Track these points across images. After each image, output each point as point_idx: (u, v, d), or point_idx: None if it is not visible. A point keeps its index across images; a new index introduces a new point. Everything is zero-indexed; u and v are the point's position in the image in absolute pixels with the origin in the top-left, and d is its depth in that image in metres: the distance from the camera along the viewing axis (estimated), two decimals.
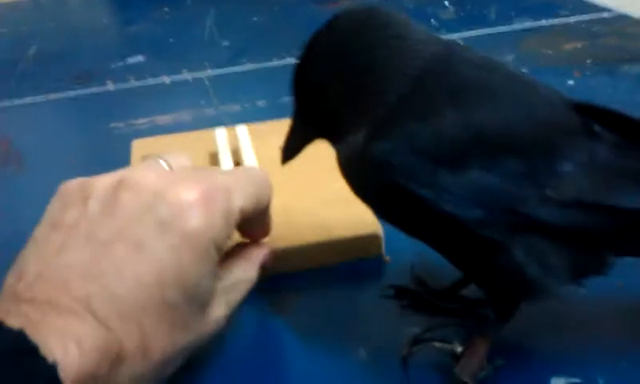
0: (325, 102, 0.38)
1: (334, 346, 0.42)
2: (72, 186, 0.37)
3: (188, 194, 0.35)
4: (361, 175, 0.38)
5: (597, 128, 0.36)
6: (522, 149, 0.34)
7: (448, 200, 0.34)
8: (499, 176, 0.34)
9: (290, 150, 0.42)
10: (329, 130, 0.39)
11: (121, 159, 0.65)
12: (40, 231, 0.36)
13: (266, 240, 0.45)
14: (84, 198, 0.36)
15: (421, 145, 0.34)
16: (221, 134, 0.59)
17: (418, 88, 0.35)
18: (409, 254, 0.48)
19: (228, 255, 0.40)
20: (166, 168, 0.39)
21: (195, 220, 0.34)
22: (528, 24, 0.97)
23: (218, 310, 0.36)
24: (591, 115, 0.37)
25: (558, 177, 0.34)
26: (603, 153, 0.35)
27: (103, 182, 0.36)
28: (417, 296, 0.44)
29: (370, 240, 0.49)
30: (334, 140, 0.40)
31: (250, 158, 0.54)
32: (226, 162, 0.54)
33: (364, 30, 0.37)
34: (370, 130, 0.36)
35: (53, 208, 0.37)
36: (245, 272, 0.40)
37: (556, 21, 0.98)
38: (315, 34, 0.38)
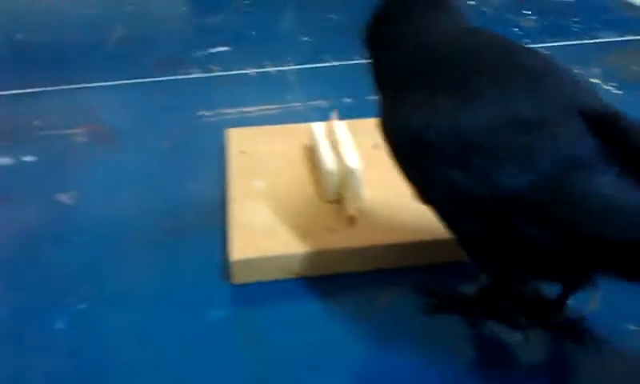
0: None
1: (424, 346, 0.42)
2: None
3: None
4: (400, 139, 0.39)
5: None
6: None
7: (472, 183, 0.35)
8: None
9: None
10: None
11: (211, 147, 0.67)
12: None
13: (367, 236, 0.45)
14: None
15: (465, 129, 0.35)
16: (318, 128, 0.60)
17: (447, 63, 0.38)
18: None
19: None
20: None
21: None
22: (614, 38, 0.96)
23: None
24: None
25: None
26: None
27: None
28: (445, 298, 0.46)
29: None
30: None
31: (350, 153, 0.54)
32: (326, 155, 0.55)
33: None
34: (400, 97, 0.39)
35: None
36: None
37: None
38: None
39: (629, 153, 0.34)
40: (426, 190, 0.39)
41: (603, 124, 0.35)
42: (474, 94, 0.36)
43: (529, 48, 0.40)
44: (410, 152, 0.38)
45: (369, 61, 0.43)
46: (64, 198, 0.60)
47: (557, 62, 0.39)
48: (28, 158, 0.68)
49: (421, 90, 0.38)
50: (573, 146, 0.34)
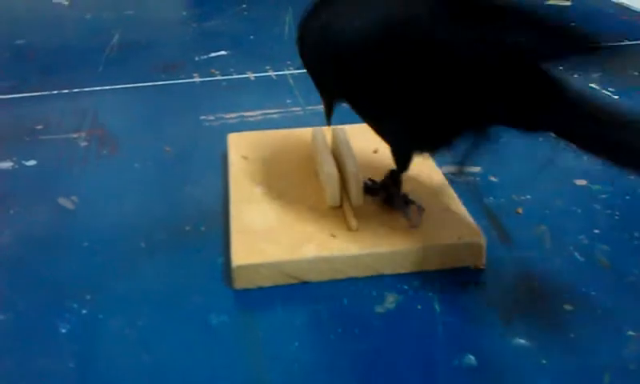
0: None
1: (436, 350, 0.42)
2: None
3: None
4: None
5: None
6: None
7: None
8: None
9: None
10: None
11: (213, 151, 0.67)
12: None
13: (369, 241, 0.46)
14: None
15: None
16: (319, 133, 0.60)
17: None
18: (508, 263, 0.49)
19: None
20: None
21: None
22: (612, 43, 0.96)
23: None
24: None
25: None
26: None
27: None
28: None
29: (472, 249, 0.49)
30: None
31: (350, 158, 0.55)
32: (327, 160, 0.55)
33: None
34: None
35: None
36: None
37: (639, 42, 0.97)
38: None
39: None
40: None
41: None
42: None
43: None
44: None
45: None
46: (65, 202, 0.60)
47: None
48: (29, 163, 0.68)
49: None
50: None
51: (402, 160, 0.52)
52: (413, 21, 0.44)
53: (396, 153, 0.52)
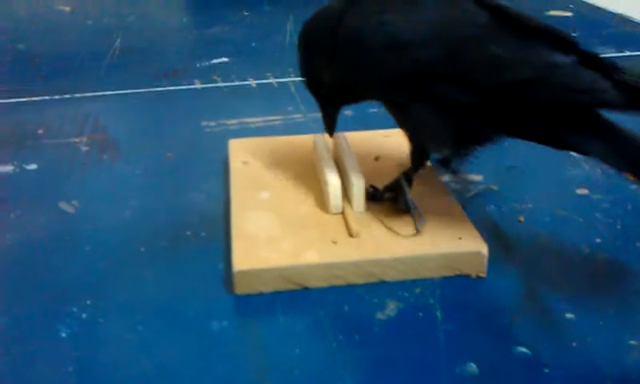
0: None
1: (437, 357, 0.42)
2: None
3: None
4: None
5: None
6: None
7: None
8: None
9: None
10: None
11: (214, 157, 0.67)
12: None
13: (370, 248, 0.45)
14: None
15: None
16: (320, 140, 0.60)
17: None
18: (509, 271, 0.49)
19: None
20: None
21: None
22: (612, 53, 0.97)
23: None
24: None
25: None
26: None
27: None
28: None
29: (474, 257, 0.49)
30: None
31: (352, 165, 0.55)
32: (328, 167, 0.55)
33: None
34: None
35: None
36: None
37: None
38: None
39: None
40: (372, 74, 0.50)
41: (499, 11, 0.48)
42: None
43: None
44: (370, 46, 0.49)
45: None
46: (66, 206, 0.60)
47: None
48: (30, 167, 0.68)
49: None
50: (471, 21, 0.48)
51: (420, 157, 0.54)
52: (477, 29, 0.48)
53: (418, 149, 0.53)
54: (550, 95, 0.46)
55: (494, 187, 0.61)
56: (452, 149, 0.51)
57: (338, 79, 0.53)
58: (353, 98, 0.56)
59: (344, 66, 0.52)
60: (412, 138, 0.53)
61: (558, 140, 0.49)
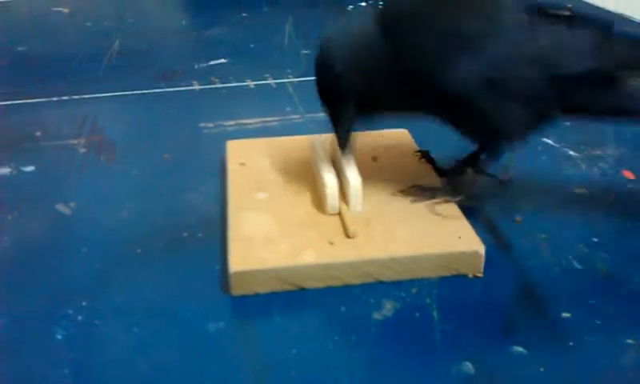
0: None
1: (434, 357, 0.42)
2: None
3: None
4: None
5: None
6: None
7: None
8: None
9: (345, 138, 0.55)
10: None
11: (211, 158, 0.67)
12: None
13: (367, 249, 0.45)
14: None
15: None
16: (318, 141, 0.60)
17: None
18: (506, 271, 0.49)
19: None
20: None
21: None
22: None
23: None
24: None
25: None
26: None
27: None
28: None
29: (471, 257, 0.49)
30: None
31: (349, 166, 0.54)
32: (326, 168, 0.55)
33: None
34: None
35: None
36: None
37: None
38: None
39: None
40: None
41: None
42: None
43: None
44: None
45: None
46: (63, 208, 0.60)
47: None
48: (28, 168, 0.68)
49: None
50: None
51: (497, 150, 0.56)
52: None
53: (492, 143, 0.56)
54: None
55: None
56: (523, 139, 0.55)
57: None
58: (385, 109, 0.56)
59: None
60: (481, 135, 0.55)
61: (614, 109, 0.54)
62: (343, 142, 0.54)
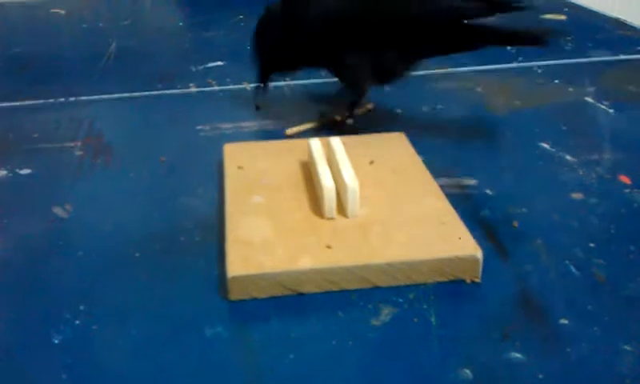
0: None
1: (431, 363, 0.42)
2: None
3: None
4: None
5: None
6: None
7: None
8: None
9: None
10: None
11: (209, 161, 0.67)
12: None
13: (364, 254, 0.45)
14: None
15: None
16: (315, 144, 0.60)
17: None
18: (503, 276, 0.49)
19: None
20: None
21: None
22: (607, 57, 0.97)
23: None
24: None
25: None
26: None
27: None
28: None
29: (468, 262, 0.49)
30: None
31: (346, 169, 0.54)
32: (323, 172, 0.55)
33: None
34: None
35: None
36: None
37: (635, 56, 0.97)
38: None
39: None
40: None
41: None
42: None
43: None
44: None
45: None
46: (60, 211, 0.60)
47: None
48: (24, 171, 0.68)
49: None
50: None
51: (359, 92, 0.74)
52: None
53: (355, 86, 0.73)
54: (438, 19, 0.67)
55: (489, 191, 0.61)
56: (374, 84, 0.72)
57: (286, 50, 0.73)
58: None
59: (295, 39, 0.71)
60: (350, 80, 0.73)
61: (455, 46, 0.70)
62: (261, 88, 0.78)
